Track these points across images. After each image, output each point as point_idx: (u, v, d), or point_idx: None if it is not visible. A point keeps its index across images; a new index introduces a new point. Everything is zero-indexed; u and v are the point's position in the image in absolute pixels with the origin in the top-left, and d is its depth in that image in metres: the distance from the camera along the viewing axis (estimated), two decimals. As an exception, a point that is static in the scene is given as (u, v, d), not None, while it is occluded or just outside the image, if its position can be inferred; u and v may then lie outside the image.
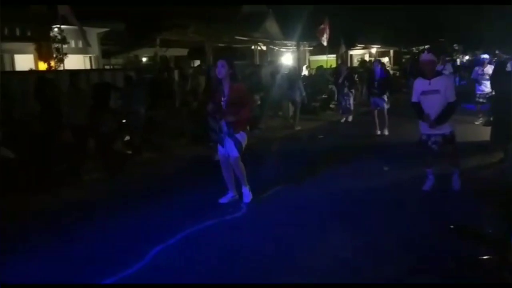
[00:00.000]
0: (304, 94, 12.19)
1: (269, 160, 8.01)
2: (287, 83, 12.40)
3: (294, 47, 20.14)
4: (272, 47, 19.58)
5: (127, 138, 8.95)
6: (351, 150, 8.58)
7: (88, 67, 14.20)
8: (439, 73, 5.54)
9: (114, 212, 5.44)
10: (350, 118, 12.66)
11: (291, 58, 19.29)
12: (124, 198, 6.10)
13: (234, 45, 17.51)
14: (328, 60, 19.22)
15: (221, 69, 5.20)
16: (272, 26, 20.70)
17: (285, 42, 19.89)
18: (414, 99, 5.53)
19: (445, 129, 5.32)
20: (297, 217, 5.04)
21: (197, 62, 17.42)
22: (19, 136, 6.83)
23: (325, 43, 16.92)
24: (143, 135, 9.12)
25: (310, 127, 11.98)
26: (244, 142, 5.35)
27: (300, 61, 19.35)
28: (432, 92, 5.29)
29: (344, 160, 7.58)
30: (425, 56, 5.45)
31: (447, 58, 19.81)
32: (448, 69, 13.85)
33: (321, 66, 17.00)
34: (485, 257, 3.56)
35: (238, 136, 5.29)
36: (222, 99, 5.28)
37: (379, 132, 10.04)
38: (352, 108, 12.75)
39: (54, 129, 7.16)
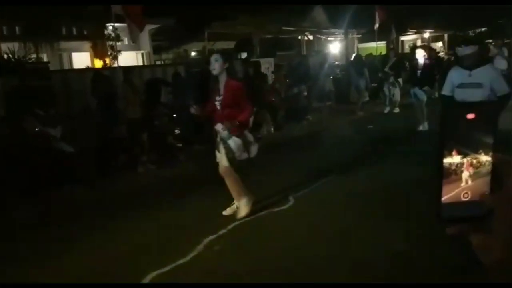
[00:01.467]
0: (369, 81, 12.33)
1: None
2: (354, 70, 12.48)
3: (342, 35, 19.74)
4: (319, 36, 19.30)
5: (177, 131, 9.20)
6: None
7: (140, 63, 14.70)
8: (483, 63, 4.68)
9: (170, 201, 5.68)
10: (396, 110, 11.93)
11: (339, 47, 18.93)
12: (177, 187, 6.31)
13: (281, 36, 17.43)
14: (378, 47, 18.66)
15: (215, 64, 4.56)
16: (319, 14, 20.40)
17: (332, 30, 19.52)
18: (445, 91, 4.76)
19: None
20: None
21: (244, 55, 17.56)
22: (78, 131, 7.24)
23: (376, 28, 16.43)
24: (193, 128, 9.34)
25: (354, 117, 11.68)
26: (238, 151, 4.64)
27: (348, 49, 18.93)
28: (472, 86, 4.46)
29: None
30: (465, 49, 4.62)
31: (505, 41, 18.65)
32: (502, 54, 13.06)
33: (371, 54, 16.54)
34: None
35: (231, 142, 4.61)
36: (217, 98, 4.67)
37: (421, 128, 9.07)
38: (398, 99, 11.95)
39: (110, 123, 7.51)
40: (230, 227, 4.63)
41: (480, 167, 0.66)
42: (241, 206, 4.80)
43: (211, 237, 4.39)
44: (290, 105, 11.41)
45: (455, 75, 4.66)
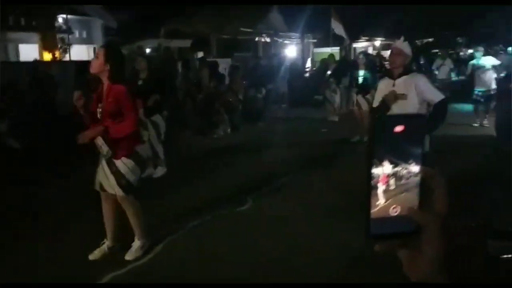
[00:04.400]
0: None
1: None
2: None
3: (299, 39, 20.10)
4: (276, 39, 19.54)
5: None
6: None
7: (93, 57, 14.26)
8: (408, 71, 4.23)
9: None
10: (336, 118, 11.57)
11: (295, 51, 19.26)
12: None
13: (239, 37, 17.49)
14: (333, 52, 19.14)
15: (94, 62, 3.71)
16: (276, 17, 20.66)
17: (289, 34, 19.83)
18: (374, 103, 4.37)
19: None
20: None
21: (200, 54, 17.45)
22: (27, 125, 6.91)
23: (332, 34, 16.84)
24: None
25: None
26: (133, 173, 3.74)
27: (304, 53, 19.30)
28: (400, 97, 4.08)
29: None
30: (396, 45, 4.29)
31: (450, 52, 19.76)
32: (448, 64, 13.85)
33: (324, 59, 16.95)
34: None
35: (119, 164, 3.69)
36: (99, 105, 3.71)
37: (356, 139, 8.73)
38: (338, 106, 11.83)
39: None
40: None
41: (408, 179, 0.64)
42: (135, 247, 3.94)
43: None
44: (247, 106, 11.49)
45: (382, 86, 4.34)
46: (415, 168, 0.64)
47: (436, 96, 4.02)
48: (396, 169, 0.64)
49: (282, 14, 20.91)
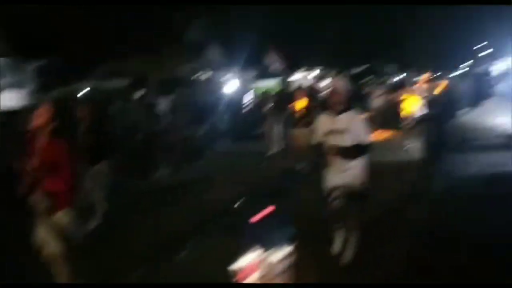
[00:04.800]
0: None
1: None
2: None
3: (239, 74, 20.42)
4: (215, 75, 19.75)
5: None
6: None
7: (23, 103, 13.59)
8: (350, 107, 4.34)
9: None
10: (279, 149, 11.53)
11: (235, 86, 19.50)
12: None
13: (178, 74, 17.50)
14: (271, 86, 19.60)
15: (38, 118, 3.57)
16: (215, 53, 20.96)
17: (228, 69, 20.14)
18: (315, 138, 4.42)
19: (356, 178, 4.18)
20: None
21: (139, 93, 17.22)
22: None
23: (272, 67, 17.22)
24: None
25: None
26: (73, 227, 3.59)
27: (243, 88, 19.61)
28: (338, 132, 4.18)
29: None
30: (335, 82, 4.52)
31: (382, 80, 20.91)
32: (380, 92, 14.66)
33: (265, 92, 17.26)
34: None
35: (58, 217, 3.55)
36: (34, 159, 3.53)
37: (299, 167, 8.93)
38: (278, 139, 11.75)
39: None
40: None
41: None
42: None
43: None
44: (188, 145, 11.37)
45: (322, 121, 4.40)
46: None
47: (367, 137, 4.26)
48: None
49: (220, 50, 21.29)
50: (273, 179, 8.71)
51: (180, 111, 12.42)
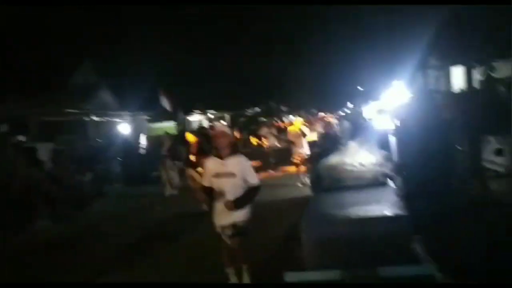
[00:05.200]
0: None
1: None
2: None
3: (131, 117, 19.87)
4: (106, 118, 18.95)
5: None
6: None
7: None
8: (236, 151, 4.57)
9: None
10: (175, 191, 11.54)
11: (128, 128, 18.89)
12: None
13: (62, 118, 16.40)
14: (167, 129, 19.33)
15: None
16: (105, 95, 20.21)
17: (120, 112, 19.48)
18: (205, 182, 4.55)
19: (239, 217, 4.34)
20: None
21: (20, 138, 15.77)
22: None
23: (166, 110, 17.05)
24: None
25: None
26: None
27: (137, 130, 19.06)
28: (226, 175, 4.33)
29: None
30: (218, 127, 4.67)
31: (275, 120, 21.92)
32: (273, 132, 15.35)
33: (165, 133, 16.93)
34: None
35: None
36: None
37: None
38: (177, 181, 11.72)
39: None
40: None
41: None
42: None
43: None
44: (73, 193, 10.53)
45: (210, 165, 4.49)
46: None
47: (255, 180, 4.39)
48: None
49: (111, 92, 20.61)
50: (170, 221, 8.58)
51: (64, 156, 11.57)
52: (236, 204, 4.25)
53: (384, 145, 3.98)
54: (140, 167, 14.53)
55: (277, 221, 6.74)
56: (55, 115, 15.92)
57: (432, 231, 2.77)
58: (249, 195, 4.35)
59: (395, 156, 3.58)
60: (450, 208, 2.96)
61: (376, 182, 3.41)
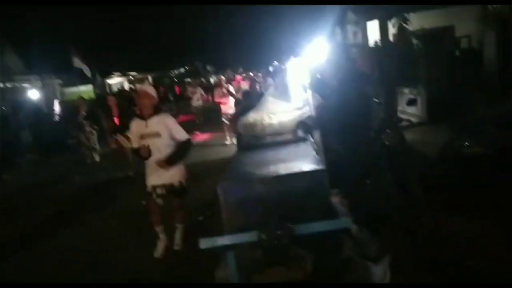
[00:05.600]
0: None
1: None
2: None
3: (41, 81, 18.28)
4: (12, 83, 17.27)
5: None
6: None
7: None
8: (159, 111, 4.52)
9: None
10: (97, 158, 11.35)
11: (39, 94, 17.41)
12: None
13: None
14: (83, 92, 18.10)
15: None
16: (12, 59, 18.34)
17: (27, 76, 17.83)
18: (133, 143, 4.58)
19: (173, 177, 4.44)
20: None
21: None
22: None
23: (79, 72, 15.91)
24: None
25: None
26: None
27: (49, 95, 17.66)
28: (151, 136, 4.35)
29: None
30: (142, 88, 4.63)
31: (201, 80, 21.43)
32: (199, 91, 14.96)
33: (72, 100, 15.82)
34: None
35: None
36: None
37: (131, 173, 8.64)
38: (97, 147, 11.37)
39: None
40: None
41: None
42: None
43: None
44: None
45: (135, 127, 4.49)
46: None
47: (183, 135, 4.48)
48: None
49: (18, 55, 18.72)
50: (92, 188, 8.21)
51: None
52: (169, 161, 4.32)
53: (302, 99, 3.92)
54: (55, 135, 13.58)
55: (205, 182, 6.70)
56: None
57: (349, 184, 2.78)
58: (180, 151, 4.43)
59: (313, 110, 3.53)
60: (366, 160, 2.98)
61: (294, 138, 3.33)
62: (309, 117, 3.45)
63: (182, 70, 33.50)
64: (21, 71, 17.95)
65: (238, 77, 15.10)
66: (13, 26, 19.18)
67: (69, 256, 5.07)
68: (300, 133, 3.33)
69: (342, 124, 2.99)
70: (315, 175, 2.49)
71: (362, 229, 2.21)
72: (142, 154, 4.32)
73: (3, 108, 14.76)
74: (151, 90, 4.60)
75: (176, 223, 4.65)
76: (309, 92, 3.59)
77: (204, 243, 2.09)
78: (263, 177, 2.53)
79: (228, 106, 11.07)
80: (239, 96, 9.75)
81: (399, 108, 8.93)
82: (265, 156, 3.07)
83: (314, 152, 2.94)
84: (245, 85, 12.89)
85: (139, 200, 5.69)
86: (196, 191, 5.51)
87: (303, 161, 2.78)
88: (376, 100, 3.52)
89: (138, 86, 4.00)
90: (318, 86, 3.46)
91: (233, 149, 9.10)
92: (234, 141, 10.28)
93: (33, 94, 17.03)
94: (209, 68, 40.66)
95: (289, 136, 3.33)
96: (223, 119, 11.34)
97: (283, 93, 4.29)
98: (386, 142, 3.95)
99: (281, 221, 2.08)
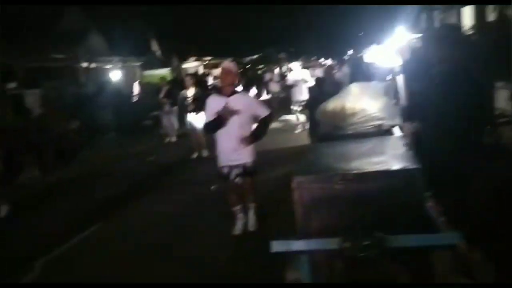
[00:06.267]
0: None
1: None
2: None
3: (122, 63, 19.09)
4: (96, 64, 18.20)
5: None
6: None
7: None
8: (239, 90, 4.67)
9: None
10: (174, 139, 11.56)
11: (120, 75, 18.19)
12: None
13: (50, 64, 15.69)
14: (164, 75, 18.63)
15: None
16: (96, 41, 19.32)
17: (110, 58, 18.68)
18: (207, 119, 4.60)
19: (248, 157, 4.46)
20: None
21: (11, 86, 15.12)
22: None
23: (158, 56, 16.37)
24: None
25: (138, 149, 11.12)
26: None
27: (128, 77, 18.38)
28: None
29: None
30: (225, 65, 4.66)
31: (275, 67, 21.20)
32: (275, 78, 14.80)
33: (150, 82, 16.36)
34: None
35: None
36: None
37: (195, 155, 9.02)
38: (175, 127, 11.60)
39: None
40: None
41: None
42: None
43: None
44: (61, 142, 10.11)
45: (213, 103, 4.53)
46: None
47: (264, 111, 4.53)
48: None
49: (103, 38, 19.68)
50: (169, 167, 8.42)
51: (51, 104, 11.08)
52: (253, 137, 4.39)
53: (389, 89, 3.50)
54: (134, 115, 14.12)
55: (275, 170, 6.60)
56: (42, 61, 15.21)
57: (446, 187, 2.36)
58: (263, 126, 4.51)
59: (402, 101, 3.11)
60: (465, 160, 2.52)
61: (380, 130, 2.94)
62: (397, 110, 3.03)
63: (255, 56, 33.38)
64: (105, 53, 18.84)
65: (313, 64, 14.69)
66: (98, 10, 20.14)
67: (144, 229, 5.17)
68: (389, 123, 2.92)
69: (437, 116, 2.56)
70: (408, 174, 2.12)
71: (473, 246, 1.81)
72: (222, 118, 4.31)
73: (88, 87, 15.58)
74: (234, 68, 4.68)
75: (248, 204, 4.69)
76: (400, 79, 3.16)
77: (276, 246, 1.82)
78: (346, 173, 2.19)
79: (301, 93, 10.80)
80: (314, 83, 9.40)
81: (498, 103, 8.03)
82: (346, 148, 2.73)
83: (405, 147, 2.54)
84: (319, 73, 12.55)
85: (211, 182, 5.75)
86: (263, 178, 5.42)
87: (392, 157, 2.41)
88: (473, 92, 3.02)
89: (223, 63, 4.17)
90: (408, 75, 3.03)
91: (303, 138, 8.90)
92: (304, 128, 10.04)
93: (115, 75, 17.84)
94: (282, 55, 40.31)
95: (375, 127, 2.94)
96: (295, 107, 11.11)
97: (366, 81, 3.90)
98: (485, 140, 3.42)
99: (369, 229, 1.75)
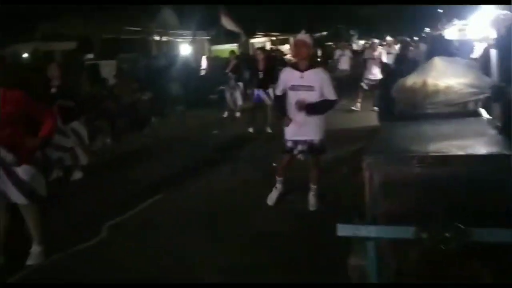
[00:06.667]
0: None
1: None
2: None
3: (192, 37, 19.35)
4: (168, 37, 18.61)
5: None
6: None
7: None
8: (314, 65, 4.47)
9: None
10: (237, 114, 11.46)
11: (190, 49, 18.48)
12: None
13: (125, 36, 16.28)
14: (233, 49, 18.70)
15: None
16: (169, 15, 19.71)
17: (180, 31, 19.01)
18: (277, 92, 4.56)
19: (316, 134, 4.38)
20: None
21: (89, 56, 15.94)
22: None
23: (226, 30, 16.40)
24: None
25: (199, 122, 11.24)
26: (35, 180, 3.64)
27: (197, 51, 18.63)
28: (304, 88, 4.27)
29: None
30: (299, 37, 4.41)
31: (347, 44, 20.44)
32: (348, 54, 14.24)
33: (217, 56, 16.45)
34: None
35: (20, 172, 3.56)
36: None
37: (251, 130, 9.12)
38: (240, 102, 11.48)
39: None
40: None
41: None
42: (35, 252, 3.81)
43: None
44: (133, 112, 10.51)
45: (287, 76, 4.44)
46: None
47: (333, 95, 4.35)
48: None
49: (174, 11, 20.03)
50: (232, 142, 8.52)
51: (126, 75, 11.50)
52: (309, 108, 4.25)
53: (477, 64, 3.14)
54: (201, 89, 14.33)
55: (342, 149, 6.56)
56: (118, 33, 15.81)
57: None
58: (323, 105, 4.34)
59: (494, 78, 2.76)
60: None
61: (466, 110, 2.64)
62: (488, 87, 2.69)
63: (324, 33, 32.47)
64: (176, 27, 19.18)
65: (389, 41, 13.93)
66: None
67: (206, 201, 5.25)
68: (474, 105, 2.61)
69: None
70: (499, 160, 1.86)
71: None
72: (296, 107, 4.27)
73: (158, 60, 16.00)
74: (309, 39, 4.43)
75: (311, 184, 4.61)
76: (493, 55, 2.80)
77: (343, 230, 1.67)
78: (425, 155, 1.97)
79: (371, 71, 10.37)
80: (390, 61, 8.95)
81: None
82: (425, 129, 2.48)
83: (494, 131, 2.25)
84: (395, 51, 11.96)
85: (273, 158, 5.71)
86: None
87: (479, 140, 2.14)
88: None
89: (297, 35, 4.04)
90: (502, 48, 2.67)
91: (362, 117, 8.55)
92: (375, 109, 9.59)
93: (184, 49, 18.16)
94: (352, 32, 38.91)
95: (458, 107, 2.64)
96: (363, 84, 10.70)
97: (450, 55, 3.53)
98: None
99: (448, 220, 1.54)
